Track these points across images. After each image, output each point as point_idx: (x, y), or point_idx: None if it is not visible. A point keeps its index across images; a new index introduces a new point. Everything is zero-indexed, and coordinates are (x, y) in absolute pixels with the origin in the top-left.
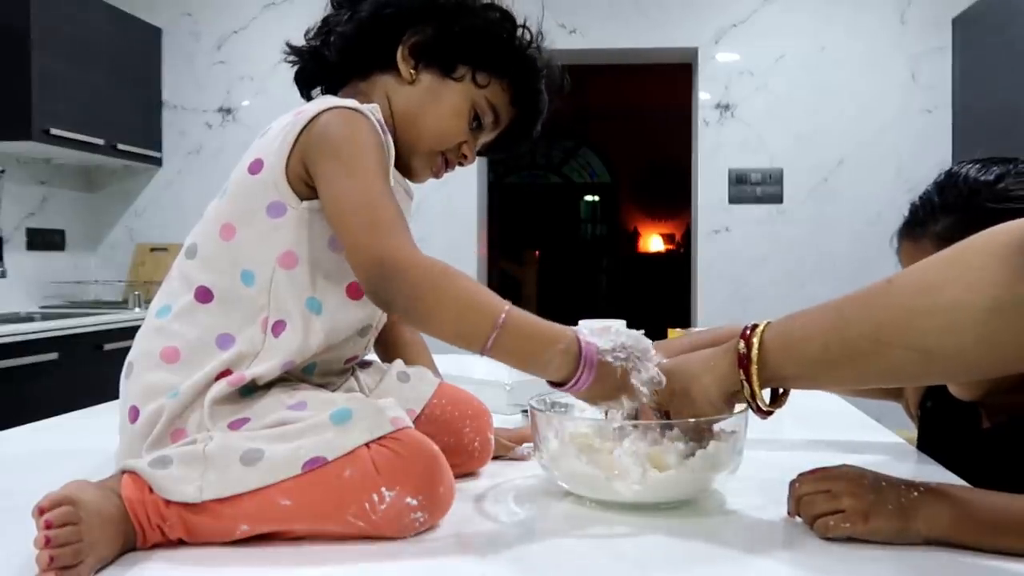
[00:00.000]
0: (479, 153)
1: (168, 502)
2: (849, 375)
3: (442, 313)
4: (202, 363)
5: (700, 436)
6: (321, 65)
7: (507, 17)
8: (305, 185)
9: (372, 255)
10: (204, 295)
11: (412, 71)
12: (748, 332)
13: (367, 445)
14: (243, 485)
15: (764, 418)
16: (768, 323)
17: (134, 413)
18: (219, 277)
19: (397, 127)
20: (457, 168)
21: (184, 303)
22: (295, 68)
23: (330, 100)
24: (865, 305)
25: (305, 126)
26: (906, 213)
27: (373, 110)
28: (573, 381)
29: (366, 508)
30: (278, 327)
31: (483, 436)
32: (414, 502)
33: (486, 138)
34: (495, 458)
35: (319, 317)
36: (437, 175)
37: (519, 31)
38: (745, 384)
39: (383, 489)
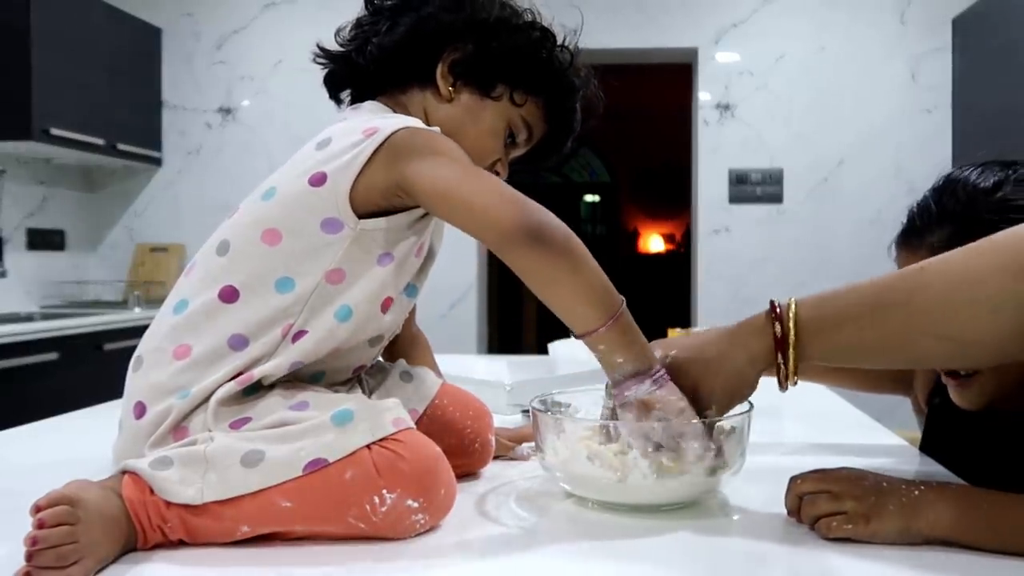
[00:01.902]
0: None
1: (169, 503)
2: (880, 360)
3: (585, 270)
4: (214, 364)
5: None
6: (352, 70)
7: (547, 36)
8: (373, 203)
9: (520, 204)
10: (230, 295)
11: (451, 88)
12: (779, 312)
13: (368, 447)
14: (244, 487)
15: (784, 391)
16: (796, 303)
17: (140, 409)
18: (250, 279)
19: None
20: None
21: (204, 300)
22: (325, 71)
23: (401, 119)
24: (902, 295)
25: (381, 144)
26: (903, 220)
27: (435, 131)
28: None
29: (367, 510)
30: (299, 336)
31: (484, 437)
32: (415, 504)
33: (517, 153)
34: (495, 458)
35: (343, 325)
36: None
37: (558, 50)
38: (782, 366)
39: (384, 491)
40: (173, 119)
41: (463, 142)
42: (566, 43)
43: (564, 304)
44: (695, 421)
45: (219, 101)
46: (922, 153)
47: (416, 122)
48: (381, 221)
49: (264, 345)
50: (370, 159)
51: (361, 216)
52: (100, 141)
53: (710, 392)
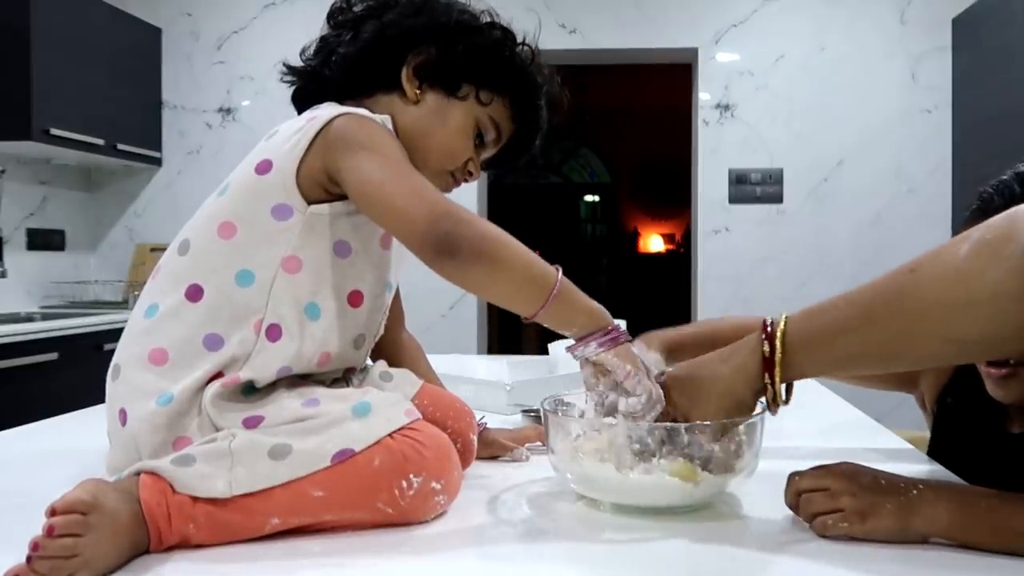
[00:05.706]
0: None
1: (195, 500)
2: (878, 368)
3: (502, 267)
4: (191, 365)
5: (724, 433)
6: (319, 85)
7: (508, 35)
8: (320, 188)
9: (433, 208)
10: (195, 293)
11: (417, 91)
12: (769, 331)
13: (391, 435)
14: (274, 479)
15: (775, 414)
16: (786, 319)
17: (123, 416)
18: (212, 275)
19: (405, 147)
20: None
21: (173, 302)
22: (292, 88)
23: (344, 108)
24: (894, 300)
25: (321, 129)
26: (975, 203)
27: (385, 120)
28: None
29: (395, 494)
30: (273, 331)
31: (465, 437)
32: (438, 486)
33: (488, 153)
34: (494, 459)
35: (316, 323)
36: (445, 192)
37: (520, 48)
38: (769, 387)
39: (411, 475)
40: (173, 119)
41: (432, 143)
42: (526, 42)
43: (498, 300)
44: (700, 424)
45: (219, 101)
46: (922, 153)
47: (360, 111)
48: (333, 206)
49: (241, 344)
50: (311, 144)
51: (312, 202)
52: (100, 141)
53: (704, 416)
